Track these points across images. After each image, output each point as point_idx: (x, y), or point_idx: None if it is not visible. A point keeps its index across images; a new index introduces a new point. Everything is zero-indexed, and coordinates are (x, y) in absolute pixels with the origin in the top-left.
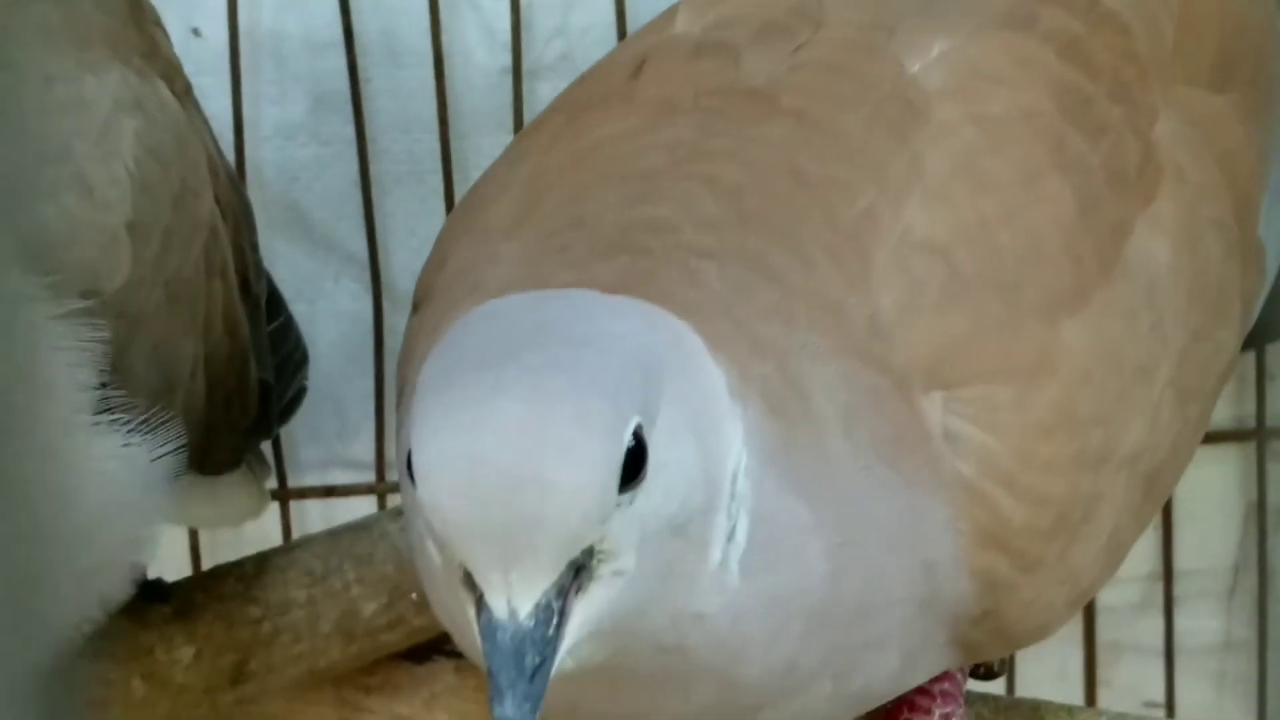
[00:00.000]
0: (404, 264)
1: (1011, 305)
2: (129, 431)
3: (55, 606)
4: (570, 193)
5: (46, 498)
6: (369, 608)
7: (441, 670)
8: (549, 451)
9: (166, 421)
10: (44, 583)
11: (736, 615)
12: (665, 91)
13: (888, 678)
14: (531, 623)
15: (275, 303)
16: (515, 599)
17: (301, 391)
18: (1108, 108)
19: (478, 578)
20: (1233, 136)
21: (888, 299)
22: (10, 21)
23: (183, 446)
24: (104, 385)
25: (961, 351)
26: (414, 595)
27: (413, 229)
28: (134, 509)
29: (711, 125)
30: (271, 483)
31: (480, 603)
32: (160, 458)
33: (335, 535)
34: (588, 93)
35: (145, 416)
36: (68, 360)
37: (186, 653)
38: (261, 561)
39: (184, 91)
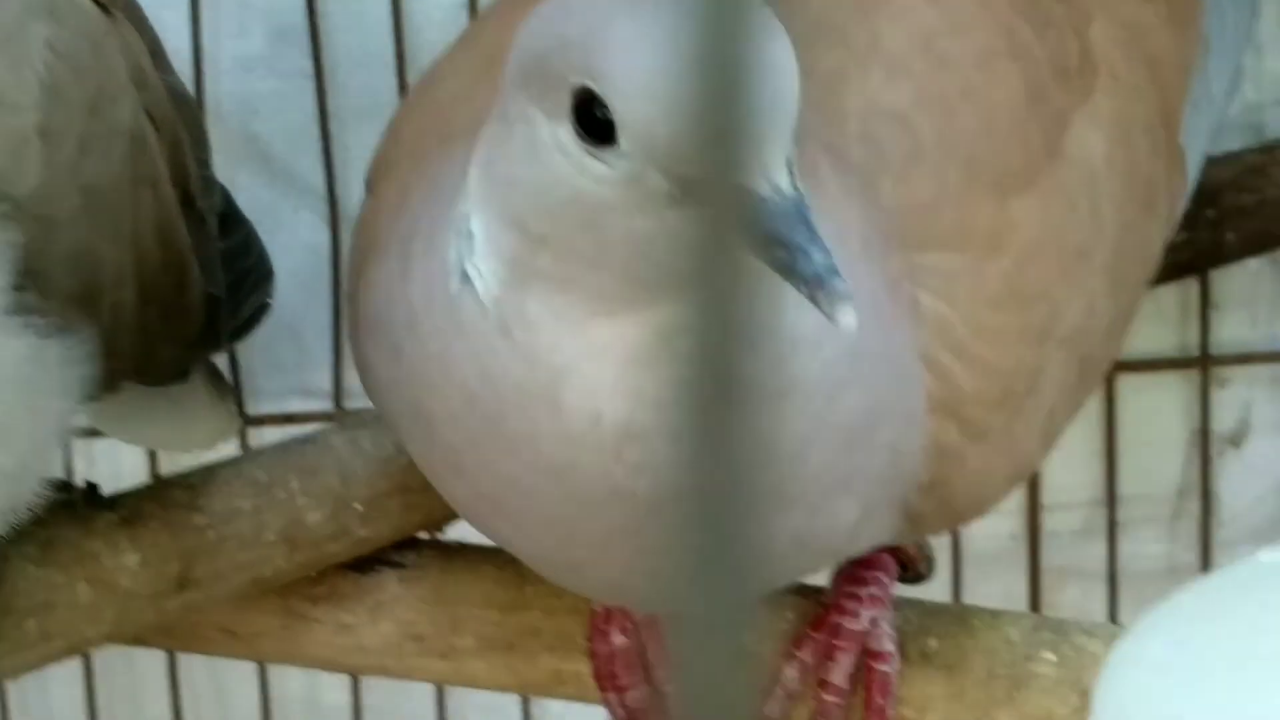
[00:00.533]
0: (361, 196)
1: (968, 178)
2: (42, 335)
3: None
4: None
5: None
6: (313, 517)
7: (385, 580)
8: (765, 37)
9: (85, 326)
10: None
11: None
12: None
13: (844, 529)
14: (797, 192)
15: (232, 219)
16: (778, 178)
17: (264, 307)
18: (1051, 4)
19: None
20: (1159, 42)
21: (857, 159)
22: None
23: (102, 353)
24: (19, 288)
25: (921, 217)
26: (357, 506)
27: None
28: (46, 410)
29: None
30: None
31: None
32: (75, 361)
33: (282, 448)
34: None
35: (61, 320)
36: None
37: (132, 559)
38: (208, 473)
39: (112, 1)
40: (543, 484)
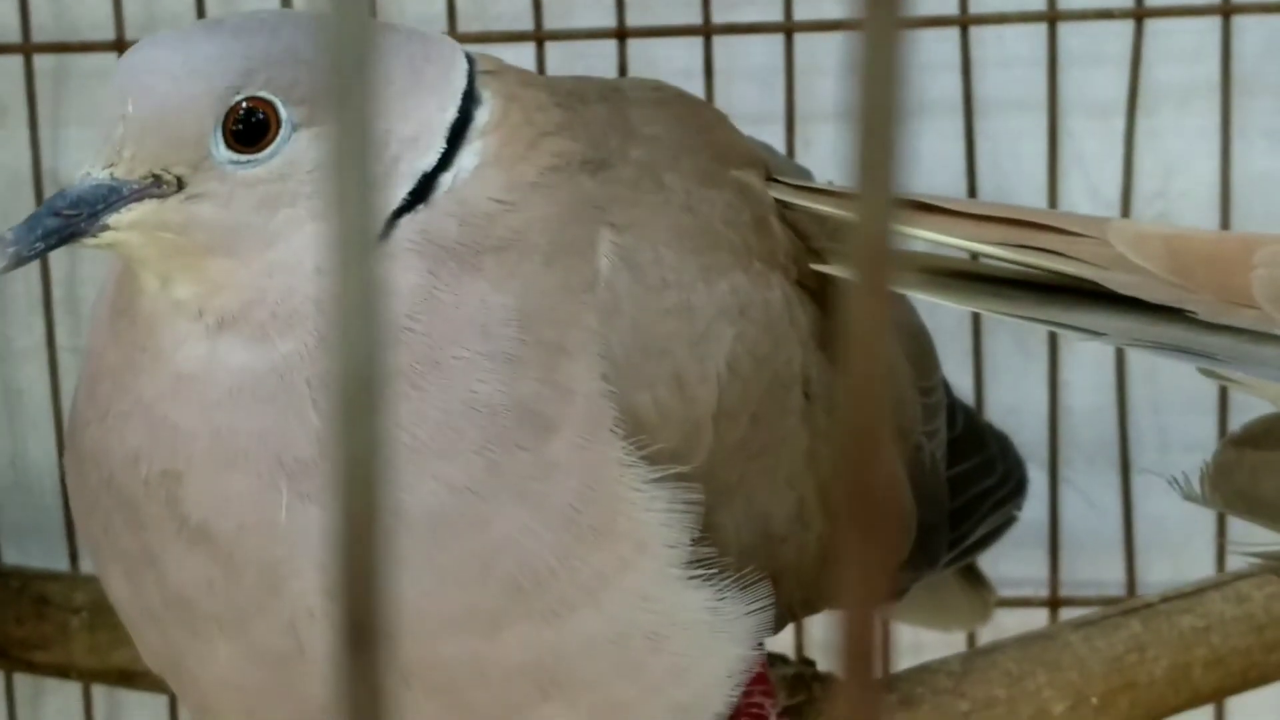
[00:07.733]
0: None
1: None
2: (720, 590)
3: None
4: None
5: (642, 637)
6: (1057, 709)
7: None
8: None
9: (759, 573)
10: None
11: None
12: None
13: None
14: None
15: (971, 442)
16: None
17: (1009, 522)
18: None
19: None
20: None
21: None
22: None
23: (781, 595)
24: (695, 543)
25: None
26: (1094, 700)
27: None
28: (722, 655)
29: None
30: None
31: None
32: (750, 611)
33: (1026, 641)
34: None
35: (736, 570)
36: (660, 520)
37: None
38: (968, 660)
39: (797, 276)
40: None
